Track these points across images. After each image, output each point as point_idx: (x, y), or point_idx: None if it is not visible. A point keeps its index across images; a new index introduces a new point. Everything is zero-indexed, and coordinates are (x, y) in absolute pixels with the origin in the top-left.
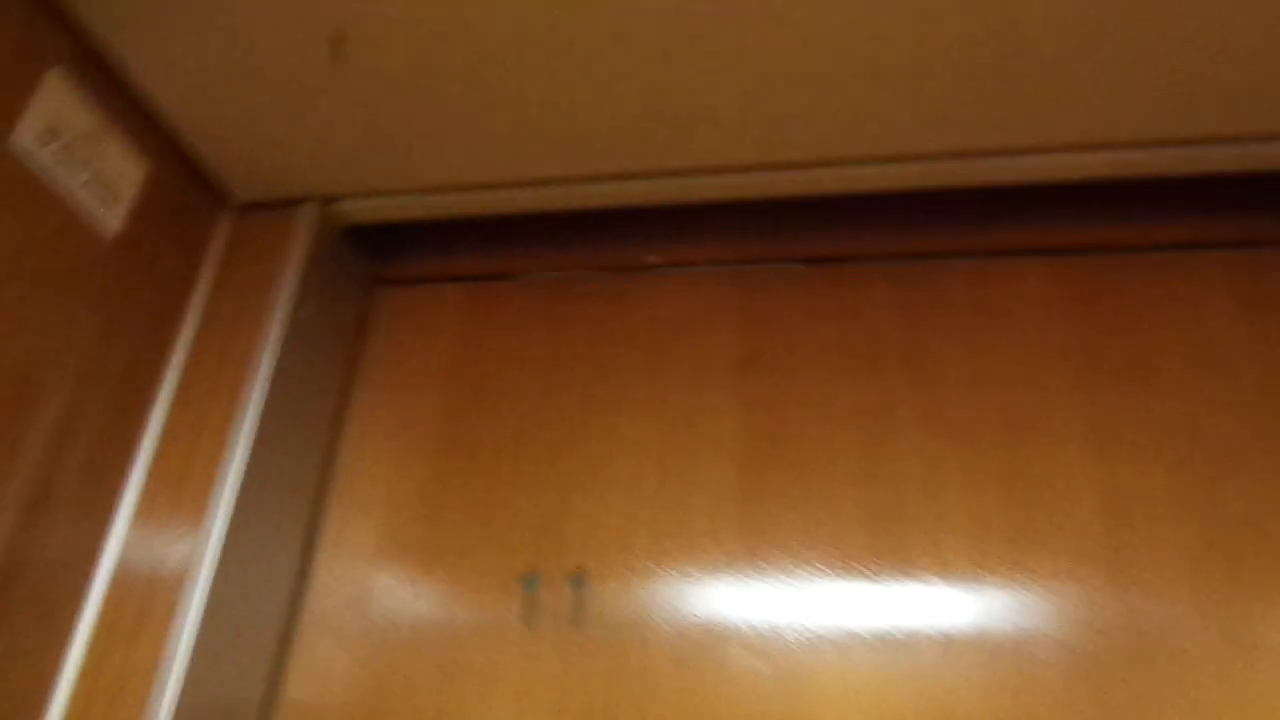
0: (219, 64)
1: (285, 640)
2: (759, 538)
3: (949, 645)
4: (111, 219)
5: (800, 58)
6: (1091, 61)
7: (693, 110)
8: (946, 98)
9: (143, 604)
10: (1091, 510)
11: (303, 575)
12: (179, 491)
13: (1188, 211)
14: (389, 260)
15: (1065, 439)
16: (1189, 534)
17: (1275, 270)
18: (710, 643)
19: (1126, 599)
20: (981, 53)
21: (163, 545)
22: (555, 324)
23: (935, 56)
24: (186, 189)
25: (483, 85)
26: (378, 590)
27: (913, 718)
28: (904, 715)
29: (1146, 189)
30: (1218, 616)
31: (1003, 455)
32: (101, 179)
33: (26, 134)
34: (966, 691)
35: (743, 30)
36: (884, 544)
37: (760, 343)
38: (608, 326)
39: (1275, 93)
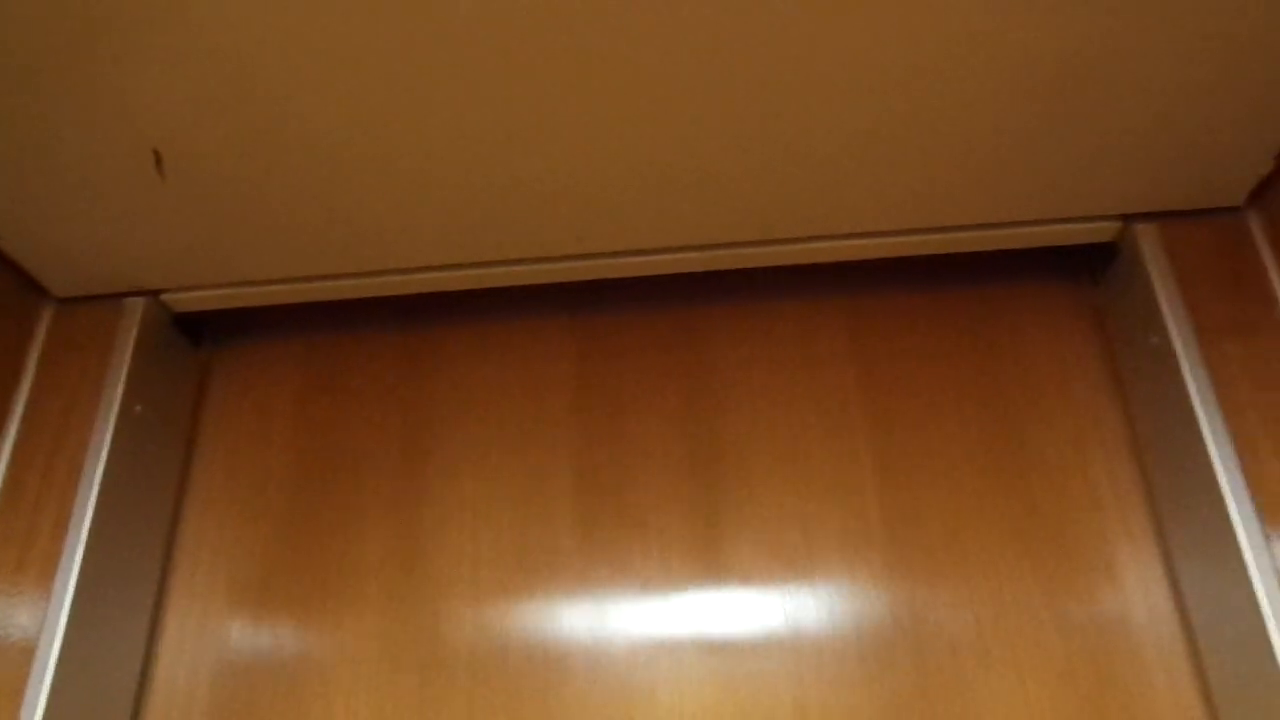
0: (35, 173)
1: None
2: (598, 564)
3: (764, 647)
4: None
5: (575, 157)
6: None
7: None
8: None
9: None
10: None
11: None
12: (16, 582)
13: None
14: (223, 340)
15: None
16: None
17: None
18: (558, 666)
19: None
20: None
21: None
22: (389, 389)
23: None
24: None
25: (298, 191)
26: (230, 645)
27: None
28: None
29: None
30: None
31: (796, 483)
32: None
33: None
34: (783, 688)
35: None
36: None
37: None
38: (443, 389)
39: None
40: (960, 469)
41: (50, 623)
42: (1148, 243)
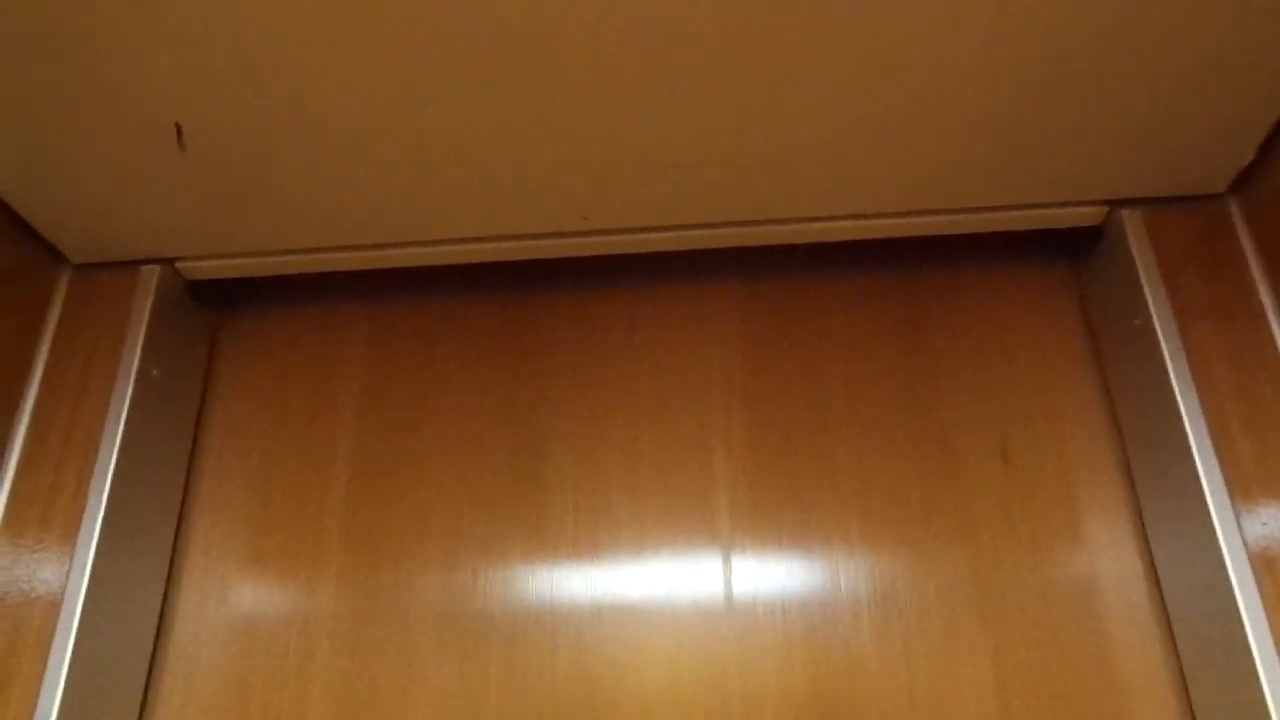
0: (52, 143)
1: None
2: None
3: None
4: None
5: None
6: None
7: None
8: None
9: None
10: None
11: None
12: (40, 539)
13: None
14: (234, 308)
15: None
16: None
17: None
18: (558, 623)
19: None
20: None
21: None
22: (397, 358)
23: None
24: (18, 253)
25: (311, 165)
26: (242, 602)
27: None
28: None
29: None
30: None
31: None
32: None
33: None
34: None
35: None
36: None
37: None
38: (451, 359)
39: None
40: (940, 442)
41: (74, 578)
42: (1132, 228)
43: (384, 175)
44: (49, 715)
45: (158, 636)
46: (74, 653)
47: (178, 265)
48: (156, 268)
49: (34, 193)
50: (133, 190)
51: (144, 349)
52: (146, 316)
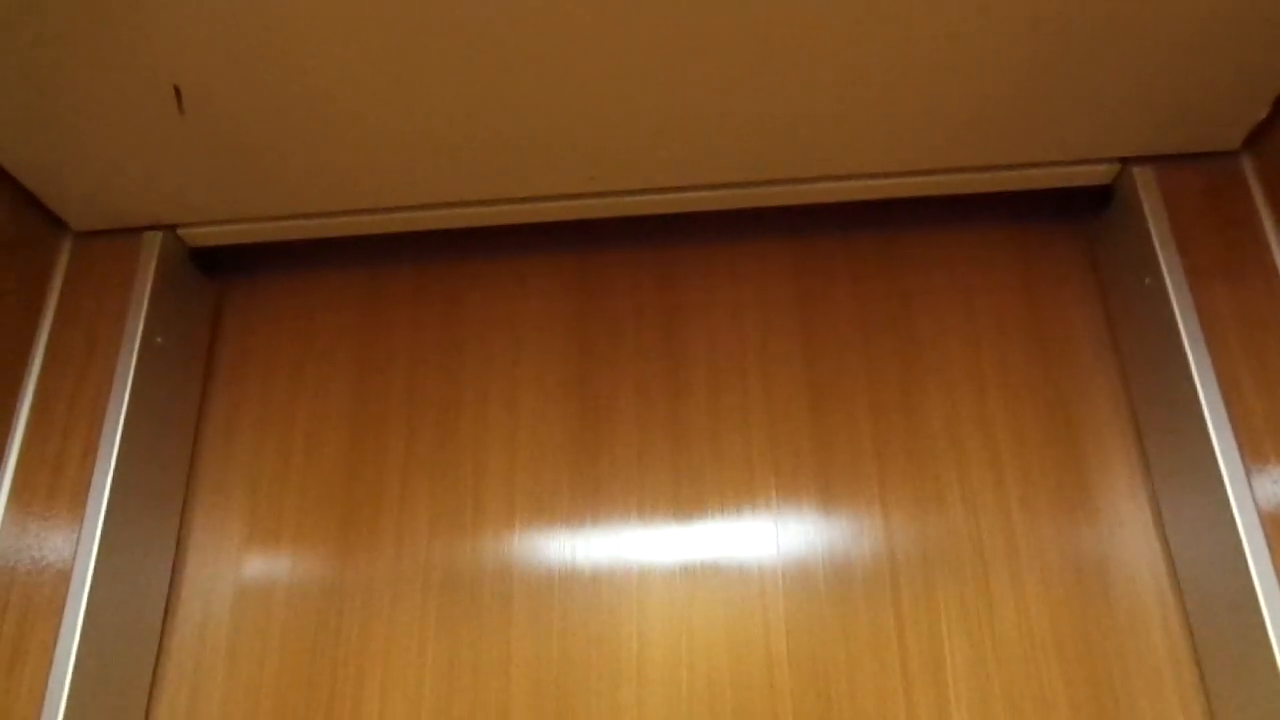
0: (52, 110)
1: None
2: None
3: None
4: None
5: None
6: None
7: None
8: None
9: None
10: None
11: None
12: (49, 507)
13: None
14: (237, 274)
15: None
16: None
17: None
18: (562, 588)
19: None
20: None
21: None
22: (400, 323)
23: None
24: (19, 220)
25: (311, 129)
26: (248, 569)
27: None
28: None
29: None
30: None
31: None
32: None
33: None
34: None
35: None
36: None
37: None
38: (455, 321)
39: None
40: (950, 401)
41: (84, 545)
42: (1144, 185)
43: (386, 139)
44: (63, 682)
45: (168, 603)
46: (86, 620)
47: (179, 232)
48: (158, 234)
49: (34, 159)
50: (133, 156)
51: (148, 316)
52: (149, 283)
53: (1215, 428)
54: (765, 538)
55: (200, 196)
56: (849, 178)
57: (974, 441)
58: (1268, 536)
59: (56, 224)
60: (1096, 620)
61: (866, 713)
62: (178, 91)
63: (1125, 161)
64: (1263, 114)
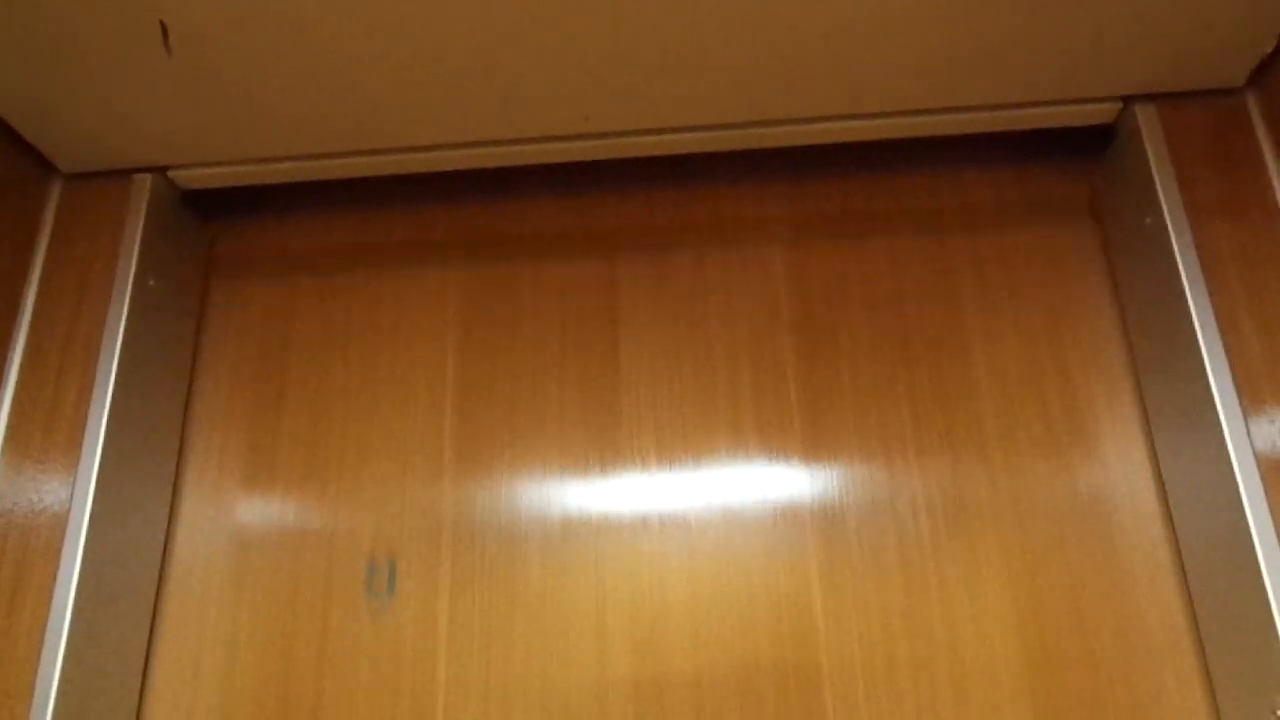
0: (37, 46)
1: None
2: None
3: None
4: None
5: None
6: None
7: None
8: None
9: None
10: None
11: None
12: (45, 451)
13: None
14: (229, 217)
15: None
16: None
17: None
18: (573, 534)
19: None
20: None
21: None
22: (393, 268)
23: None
24: (8, 162)
25: (303, 68)
26: (244, 513)
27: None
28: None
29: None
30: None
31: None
32: None
33: None
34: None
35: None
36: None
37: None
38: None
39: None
40: (945, 344)
41: (80, 489)
42: (1146, 123)
43: (378, 79)
44: (61, 624)
45: (165, 544)
46: (83, 563)
47: (170, 174)
48: (149, 176)
49: (20, 99)
50: (121, 95)
51: (140, 259)
52: (141, 226)
53: (1213, 368)
54: (787, 488)
55: (190, 138)
56: (846, 118)
57: (969, 379)
58: (1263, 475)
59: (45, 166)
60: (1094, 559)
61: (900, 656)
62: (164, 28)
63: (1127, 100)
64: (1268, 49)
